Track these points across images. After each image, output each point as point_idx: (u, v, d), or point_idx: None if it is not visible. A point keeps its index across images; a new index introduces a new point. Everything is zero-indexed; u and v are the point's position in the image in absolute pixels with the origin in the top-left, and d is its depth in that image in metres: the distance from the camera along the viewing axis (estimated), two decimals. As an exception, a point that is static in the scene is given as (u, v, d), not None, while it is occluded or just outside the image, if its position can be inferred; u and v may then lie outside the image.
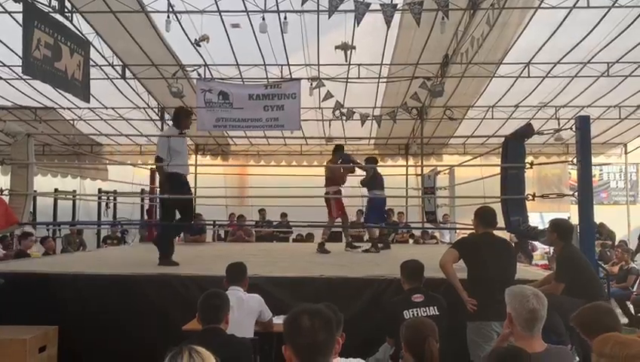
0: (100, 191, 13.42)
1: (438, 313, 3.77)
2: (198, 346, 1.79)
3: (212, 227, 12.26)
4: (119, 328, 4.72)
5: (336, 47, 9.45)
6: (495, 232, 4.45)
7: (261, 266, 5.53)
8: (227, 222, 12.47)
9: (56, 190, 12.76)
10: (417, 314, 3.73)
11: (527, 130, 5.97)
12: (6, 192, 5.99)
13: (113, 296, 4.82)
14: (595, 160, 7.42)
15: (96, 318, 4.73)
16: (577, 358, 3.75)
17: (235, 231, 11.76)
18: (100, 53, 10.06)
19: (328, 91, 10.82)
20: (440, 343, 2.69)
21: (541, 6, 8.40)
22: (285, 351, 1.84)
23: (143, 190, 11.94)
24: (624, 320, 8.02)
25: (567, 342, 3.96)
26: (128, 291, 4.89)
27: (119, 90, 11.83)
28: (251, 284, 4.30)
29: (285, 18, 8.60)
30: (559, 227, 4.63)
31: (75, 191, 14.27)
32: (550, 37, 9.33)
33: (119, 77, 11.21)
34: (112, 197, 12.89)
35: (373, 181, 8.00)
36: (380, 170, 8.31)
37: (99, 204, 13.12)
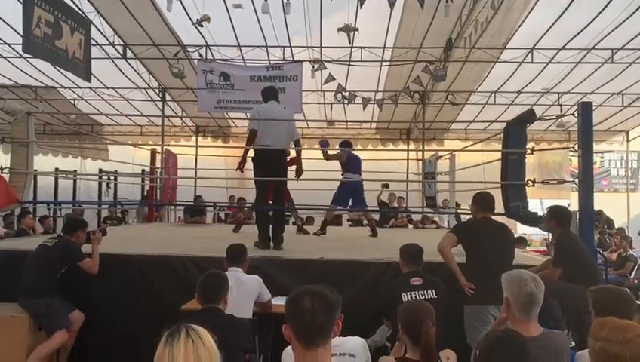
0: (100, 171, 13.44)
1: (436, 296, 3.79)
2: (196, 325, 1.80)
3: (212, 209, 12.29)
4: (118, 307, 4.76)
5: (339, 30, 9.37)
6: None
7: (261, 248, 5.55)
8: (227, 205, 12.49)
9: (56, 169, 12.76)
10: (415, 297, 3.75)
11: (528, 116, 5.94)
12: (6, 171, 5.99)
13: (112, 275, 4.84)
14: (596, 147, 7.40)
15: (95, 297, 4.76)
16: (573, 343, 3.77)
17: (235, 213, 11.77)
18: (101, 32, 9.98)
19: (330, 74, 10.76)
20: (437, 326, 2.71)
21: (546, -10, 8.32)
22: (285, 331, 1.85)
23: (143, 170, 11.95)
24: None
25: (563, 327, 3.99)
26: (128, 270, 4.92)
27: (120, 70, 11.77)
28: (251, 266, 4.33)
29: (288, -1, 8.54)
30: (557, 214, 4.64)
31: (75, 170, 14.29)
32: (555, 22, 9.25)
33: (120, 57, 11.15)
34: (112, 178, 12.92)
35: (346, 164, 7.77)
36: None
37: (99, 184, 13.15)
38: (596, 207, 6.15)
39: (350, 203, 7.97)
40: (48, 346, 4.37)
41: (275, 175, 5.78)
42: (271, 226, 5.78)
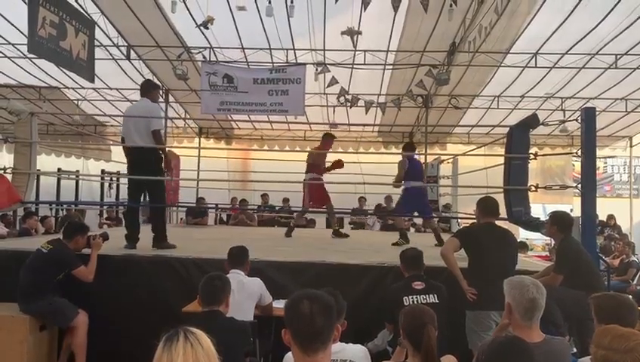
0: (103, 171, 13.46)
1: (438, 301, 3.78)
2: (196, 328, 1.79)
3: (214, 210, 12.30)
4: (118, 308, 4.75)
5: (342, 33, 9.36)
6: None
7: (263, 251, 5.53)
8: (229, 206, 12.50)
9: (59, 170, 12.78)
10: (417, 301, 3.75)
11: (532, 121, 5.93)
12: (9, 170, 6.00)
13: (114, 277, 4.84)
14: (599, 152, 7.40)
15: (96, 298, 4.75)
16: (575, 349, 3.76)
17: (237, 215, 11.79)
18: (105, 34, 10.00)
19: (333, 77, 10.76)
20: (439, 331, 2.69)
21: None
22: (285, 335, 1.85)
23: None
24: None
25: (565, 334, 3.97)
26: (129, 272, 4.92)
27: (124, 71, 11.79)
28: (252, 268, 4.33)
29: (292, 2, 8.52)
30: (559, 219, 4.63)
31: (78, 171, 14.30)
32: (558, 27, 9.24)
33: (124, 58, 11.16)
34: (115, 178, 12.92)
35: (407, 173, 7.31)
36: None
37: (102, 185, 13.16)
38: (601, 213, 6.13)
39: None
40: (80, 337, 4.45)
41: (137, 174, 5.76)
42: (151, 226, 5.89)
